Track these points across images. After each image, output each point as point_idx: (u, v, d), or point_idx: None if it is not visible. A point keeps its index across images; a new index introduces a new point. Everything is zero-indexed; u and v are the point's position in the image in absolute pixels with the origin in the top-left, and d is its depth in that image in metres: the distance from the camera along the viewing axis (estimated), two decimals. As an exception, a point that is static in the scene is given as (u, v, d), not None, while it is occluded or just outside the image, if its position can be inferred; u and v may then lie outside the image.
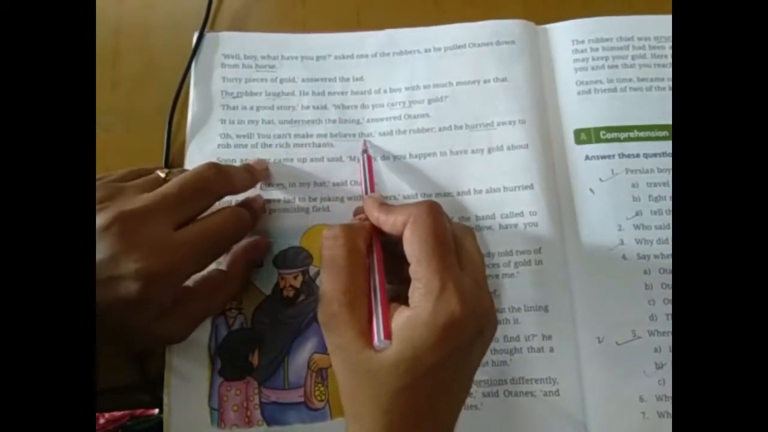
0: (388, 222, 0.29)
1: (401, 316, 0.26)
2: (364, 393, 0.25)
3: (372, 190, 0.33)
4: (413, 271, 0.27)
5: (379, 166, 0.36)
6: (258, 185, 0.35)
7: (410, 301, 0.26)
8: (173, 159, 0.37)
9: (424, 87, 0.38)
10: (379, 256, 0.29)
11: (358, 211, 0.33)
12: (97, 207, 0.27)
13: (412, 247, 0.27)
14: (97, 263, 0.26)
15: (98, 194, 0.28)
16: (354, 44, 0.40)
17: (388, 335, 0.26)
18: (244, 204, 0.34)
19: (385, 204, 0.30)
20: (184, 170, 0.33)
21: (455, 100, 0.38)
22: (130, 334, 0.28)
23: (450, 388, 0.26)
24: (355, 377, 0.26)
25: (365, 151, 0.36)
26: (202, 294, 0.31)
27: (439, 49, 0.39)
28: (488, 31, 0.40)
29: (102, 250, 0.26)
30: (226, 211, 0.31)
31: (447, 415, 0.27)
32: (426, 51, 0.39)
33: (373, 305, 0.27)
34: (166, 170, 0.31)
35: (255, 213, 0.34)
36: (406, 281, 0.27)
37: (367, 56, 0.40)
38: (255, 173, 0.34)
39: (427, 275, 0.26)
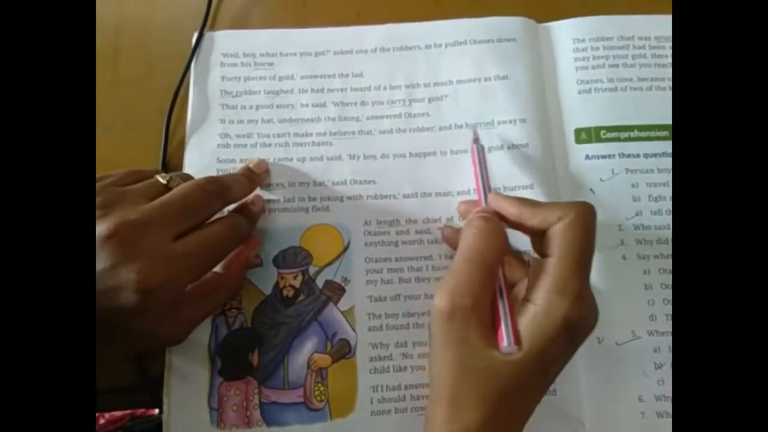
0: (536, 217, 0.28)
1: (525, 315, 0.26)
2: (473, 387, 0.25)
3: (488, 186, 0.32)
4: (551, 265, 0.26)
5: (378, 164, 0.36)
6: (257, 185, 0.35)
7: (532, 294, 0.26)
8: (172, 159, 0.37)
9: (425, 85, 0.38)
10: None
11: (468, 210, 0.32)
12: (98, 213, 0.27)
13: (565, 242, 0.26)
14: (97, 273, 0.26)
15: (99, 199, 0.28)
16: (353, 39, 0.40)
17: (517, 341, 0.25)
18: (243, 207, 0.34)
19: (523, 199, 0.29)
20: (185, 174, 0.33)
21: (455, 99, 0.38)
22: (129, 338, 0.29)
23: (545, 388, 0.27)
24: (467, 371, 0.25)
25: (477, 140, 0.34)
26: (199, 297, 0.31)
27: (440, 45, 0.39)
28: (489, 28, 0.39)
29: (102, 259, 0.26)
30: (225, 221, 0.31)
31: (531, 410, 0.27)
32: (426, 47, 0.39)
33: (500, 307, 0.27)
34: (167, 176, 0.31)
35: (254, 216, 0.34)
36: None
37: (366, 51, 0.39)
38: (254, 178, 0.34)
39: (567, 274, 0.26)
